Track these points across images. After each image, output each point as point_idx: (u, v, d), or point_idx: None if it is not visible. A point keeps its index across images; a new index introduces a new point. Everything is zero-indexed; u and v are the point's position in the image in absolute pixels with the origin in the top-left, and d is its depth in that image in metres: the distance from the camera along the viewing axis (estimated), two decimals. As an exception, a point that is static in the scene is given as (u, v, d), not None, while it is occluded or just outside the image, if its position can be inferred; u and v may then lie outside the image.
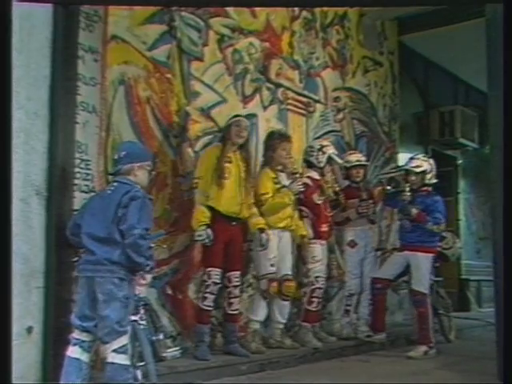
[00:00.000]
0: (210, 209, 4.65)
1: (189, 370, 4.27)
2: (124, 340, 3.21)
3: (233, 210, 4.73)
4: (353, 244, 5.93)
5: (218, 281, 4.65)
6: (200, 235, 4.58)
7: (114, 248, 3.20)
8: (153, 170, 3.68)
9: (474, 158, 9.79)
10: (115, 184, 3.38)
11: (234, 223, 4.77)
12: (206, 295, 4.64)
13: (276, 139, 5.18)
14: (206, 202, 4.63)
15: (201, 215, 4.61)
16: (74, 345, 3.26)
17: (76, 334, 3.27)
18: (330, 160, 5.63)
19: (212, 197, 4.66)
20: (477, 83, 8.86)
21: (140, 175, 3.42)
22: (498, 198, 4.01)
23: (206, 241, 4.58)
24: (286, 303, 5.15)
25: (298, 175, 5.29)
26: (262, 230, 4.92)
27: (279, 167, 5.18)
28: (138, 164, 3.42)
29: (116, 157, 3.50)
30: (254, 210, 4.95)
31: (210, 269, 4.65)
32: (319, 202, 5.50)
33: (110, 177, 3.67)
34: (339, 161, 5.77)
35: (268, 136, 5.30)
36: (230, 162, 4.75)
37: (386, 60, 7.76)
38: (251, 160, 5.03)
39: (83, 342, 3.26)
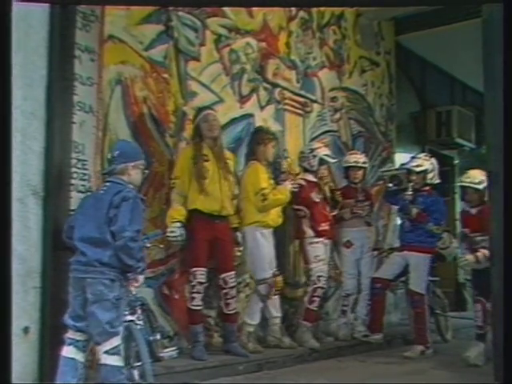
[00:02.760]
0: (189, 209, 4.62)
1: (186, 370, 4.27)
2: (116, 341, 3.19)
3: (214, 208, 4.67)
4: (348, 244, 5.93)
5: (203, 280, 4.62)
6: (172, 231, 4.49)
7: (104, 249, 3.18)
8: (146, 169, 3.66)
9: (471, 157, 9.76)
10: (108, 184, 3.37)
11: (217, 221, 4.72)
12: (194, 295, 4.62)
13: (266, 134, 5.21)
14: (182, 203, 4.58)
15: (175, 213, 4.56)
16: (69, 345, 3.26)
17: (70, 334, 3.27)
18: (322, 161, 5.63)
19: (191, 198, 4.62)
20: (473, 83, 8.85)
21: (134, 175, 3.41)
22: (494, 197, 4.02)
23: (179, 238, 4.52)
24: (277, 297, 5.16)
25: (287, 174, 5.28)
26: (236, 229, 4.93)
27: (265, 163, 5.16)
28: (132, 163, 3.41)
29: (109, 156, 3.49)
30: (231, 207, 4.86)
31: (194, 269, 4.62)
32: (317, 200, 5.50)
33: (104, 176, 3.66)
34: (331, 161, 5.75)
35: (257, 130, 5.32)
36: (207, 161, 4.68)
37: (382, 60, 7.75)
38: (224, 154, 4.87)
39: (77, 341, 3.26)
